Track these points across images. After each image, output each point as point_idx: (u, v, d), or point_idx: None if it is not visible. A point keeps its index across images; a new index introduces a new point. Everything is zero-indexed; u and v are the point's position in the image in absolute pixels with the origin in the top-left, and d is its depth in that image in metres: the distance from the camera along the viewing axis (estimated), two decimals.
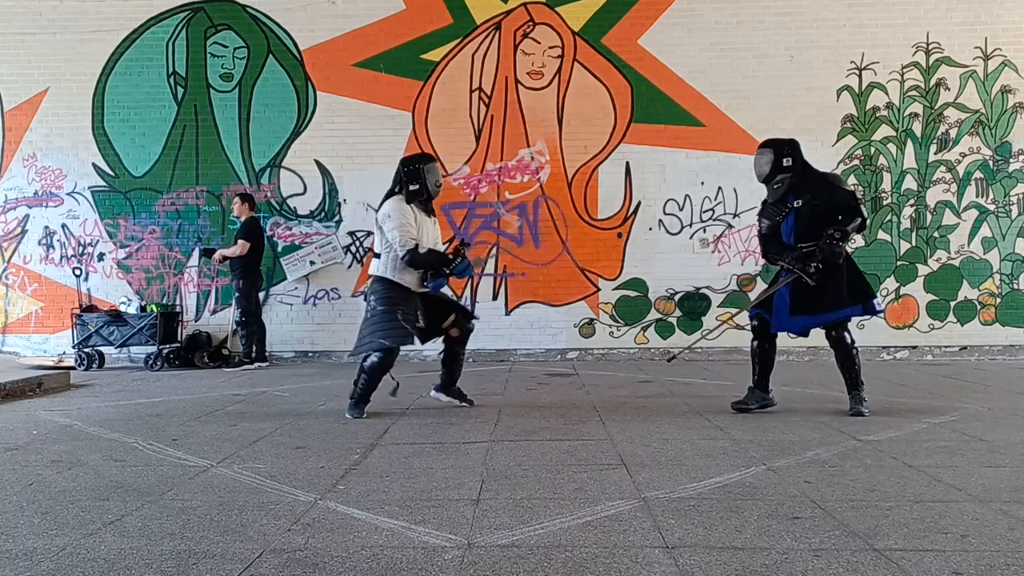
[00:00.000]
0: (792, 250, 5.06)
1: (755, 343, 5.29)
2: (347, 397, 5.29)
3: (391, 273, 5.13)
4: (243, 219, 8.57)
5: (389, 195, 5.24)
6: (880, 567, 2.40)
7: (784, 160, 5.09)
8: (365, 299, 5.41)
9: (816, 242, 4.92)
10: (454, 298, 5.61)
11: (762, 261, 8.96)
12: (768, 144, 5.23)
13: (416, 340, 5.26)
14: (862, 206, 5.10)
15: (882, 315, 5.20)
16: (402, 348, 5.26)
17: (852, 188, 5.12)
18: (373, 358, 5.09)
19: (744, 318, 8.96)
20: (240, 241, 8.40)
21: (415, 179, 5.14)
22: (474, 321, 5.52)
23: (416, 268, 5.08)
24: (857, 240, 8.98)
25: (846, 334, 5.06)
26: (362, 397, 5.21)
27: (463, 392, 5.57)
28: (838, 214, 4.94)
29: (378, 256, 5.23)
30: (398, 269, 5.10)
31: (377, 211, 5.28)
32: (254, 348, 8.52)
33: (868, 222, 5.21)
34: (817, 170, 5.28)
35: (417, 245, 5.01)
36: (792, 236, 5.07)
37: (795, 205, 5.04)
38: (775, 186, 5.17)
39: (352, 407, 5.20)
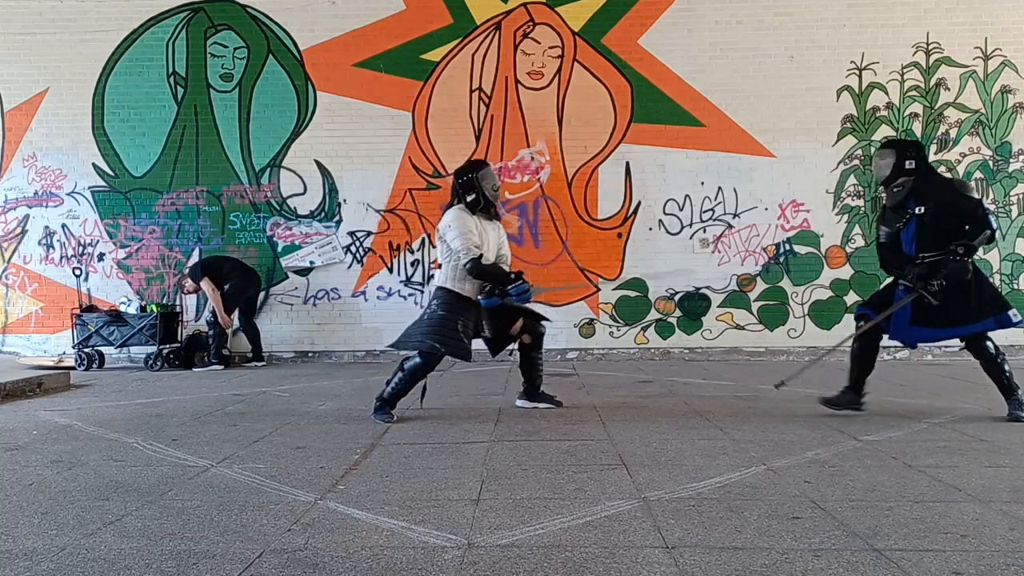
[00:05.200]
0: (914, 265, 4.70)
1: (856, 345, 4.97)
2: (374, 397, 5.12)
3: (451, 283, 5.05)
4: (197, 290, 8.64)
5: (449, 206, 5.18)
6: (880, 567, 2.40)
7: (907, 162, 4.74)
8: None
9: (936, 253, 4.59)
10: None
11: (762, 261, 9.02)
12: (890, 144, 4.94)
13: (472, 357, 5.02)
14: (992, 217, 4.70)
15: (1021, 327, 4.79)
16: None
17: (979, 197, 4.79)
18: (417, 360, 4.97)
19: (738, 318, 9.04)
20: (208, 291, 8.41)
21: (470, 189, 5.09)
22: (544, 323, 5.37)
23: (478, 278, 4.98)
24: (857, 240, 9.00)
25: (987, 344, 4.71)
26: (391, 399, 5.04)
27: (549, 395, 5.46)
28: (963, 224, 4.61)
29: (440, 267, 5.17)
30: (458, 279, 5.03)
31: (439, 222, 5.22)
32: (226, 349, 8.62)
33: (998, 234, 4.82)
34: (943, 175, 4.89)
35: (482, 255, 4.95)
36: (913, 245, 4.74)
37: (917, 212, 4.70)
38: (895, 190, 4.80)
39: (379, 409, 5.01)
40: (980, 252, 4.99)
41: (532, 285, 5.13)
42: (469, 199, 5.08)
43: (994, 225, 4.72)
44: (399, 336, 5.16)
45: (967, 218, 4.63)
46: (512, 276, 5.05)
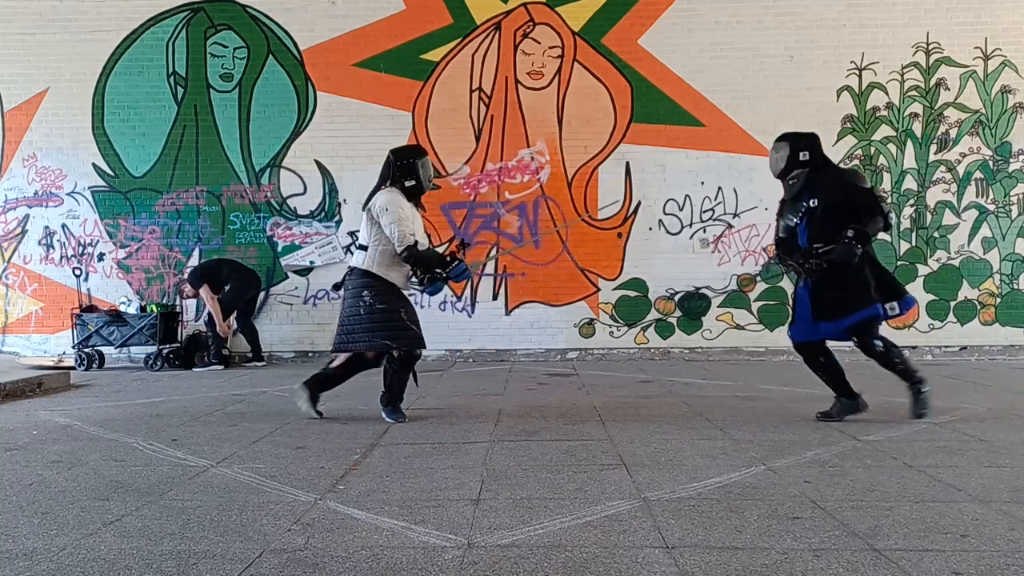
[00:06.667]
0: (804, 252, 4.68)
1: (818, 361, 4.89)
2: (379, 401, 5.06)
3: (378, 268, 4.87)
4: (196, 295, 8.62)
5: (379, 186, 4.99)
6: (880, 567, 2.40)
7: (801, 154, 4.73)
8: (342, 288, 5.07)
9: (832, 244, 4.54)
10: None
11: (762, 261, 9.02)
12: (784, 137, 4.90)
13: (425, 344, 4.95)
14: (885, 204, 4.68)
15: (897, 315, 4.66)
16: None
17: (871, 186, 4.75)
18: (388, 364, 4.92)
19: (738, 318, 9.04)
20: (206, 299, 8.42)
21: (410, 174, 4.94)
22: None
23: (414, 265, 4.87)
24: None
25: (875, 342, 4.66)
26: (397, 396, 5.00)
27: (315, 405, 5.15)
28: (857, 215, 4.54)
29: (363, 248, 4.94)
30: (385, 265, 4.87)
31: (366, 202, 4.99)
32: (226, 349, 8.61)
33: (892, 221, 4.67)
34: (837, 167, 4.93)
35: (417, 242, 4.82)
36: (805, 237, 4.72)
37: (811, 204, 4.66)
38: (790, 182, 4.79)
39: (392, 411, 4.98)
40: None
41: (468, 264, 5.05)
42: (408, 184, 4.93)
43: (886, 211, 4.65)
44: (336, 337, 4.99)
45: (860, 210, 4.57)
46: (448, 259, 4.95)
